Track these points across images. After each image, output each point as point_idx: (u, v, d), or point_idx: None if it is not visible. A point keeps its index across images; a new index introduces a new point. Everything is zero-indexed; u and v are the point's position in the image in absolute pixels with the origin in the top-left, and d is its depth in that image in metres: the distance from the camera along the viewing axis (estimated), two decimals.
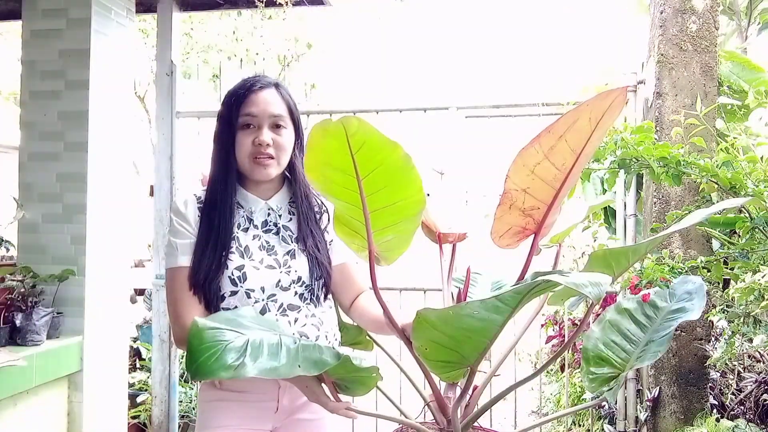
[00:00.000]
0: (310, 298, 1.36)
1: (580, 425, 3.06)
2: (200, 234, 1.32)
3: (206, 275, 1.27)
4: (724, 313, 1.94)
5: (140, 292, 4.48)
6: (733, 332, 1.91)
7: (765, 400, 2.06)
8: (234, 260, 1.30)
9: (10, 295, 2.44)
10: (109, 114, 2.79)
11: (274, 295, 1.31)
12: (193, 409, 3.12)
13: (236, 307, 1.29)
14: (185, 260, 1.30)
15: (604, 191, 2.89)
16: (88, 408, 2.64)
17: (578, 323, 1.87)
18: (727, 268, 1.89)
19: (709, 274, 1.88)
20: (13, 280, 2.47)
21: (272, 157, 1.32)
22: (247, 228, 1.35)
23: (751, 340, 1.92)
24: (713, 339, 2.33)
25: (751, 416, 2.09)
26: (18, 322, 2.39)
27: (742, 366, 2.30)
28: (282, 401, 1.34)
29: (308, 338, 1.32)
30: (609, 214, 3.05)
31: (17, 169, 2.72)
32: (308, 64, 7.45)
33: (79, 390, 2.61)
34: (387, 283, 2.71)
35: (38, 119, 2.70)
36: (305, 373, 0.89)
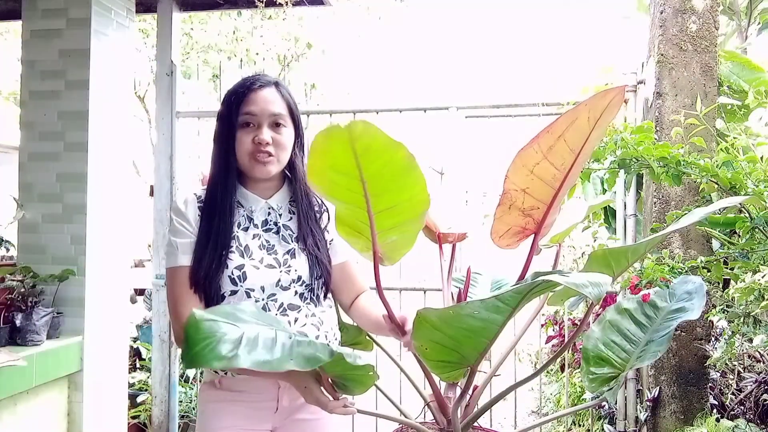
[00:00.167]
0: (310, 298, 1.36)
1: (580, 425, 3.06)
2: (200, 233, 1.32)
3: (206, 274, 1.27)
4: (724, 313, 1.94)
5: (140, 292, 4.48)
6: (733, 332, 1.91)
7: (765, 400, 2.06)
8: (234, 259, 1.30)
9: (10, 295, 2.44)
10: (109, 114, 2.79)
11: (274, 294, 1.31)
12: (193, 409, 3.12)
13: None
14: (185, 259, 1.30)
15: (604, 191, 2.89)
16: (88, 408, 2.64)
17: (578, 323, 1.87)
18: (727, 268, 1.89)
19: (709, 274, 1.88)
20: (13, 280, 2.47)
21: (272, 155, 1.32)
22: (248, 227, 1.35)
23: (751, 340, 1.92)
24: (713, 339, 2.32)
25: (751, 416, 2.09)
26: (18, 322, 2.39)
27: (742, 366, 2.30)
28: (282, 401, 1.34)
29: (307, 338, 1.33)
30: (609, 214, 3.05)
31: (17, 169, 2.73)
32: (308, 64, 7.45)
33: (79, 390, 2.61)
34: (387, 283, 2.71)
35: (38, 119, 2.70)
36: (297, 368, 0.89)
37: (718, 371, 2.38)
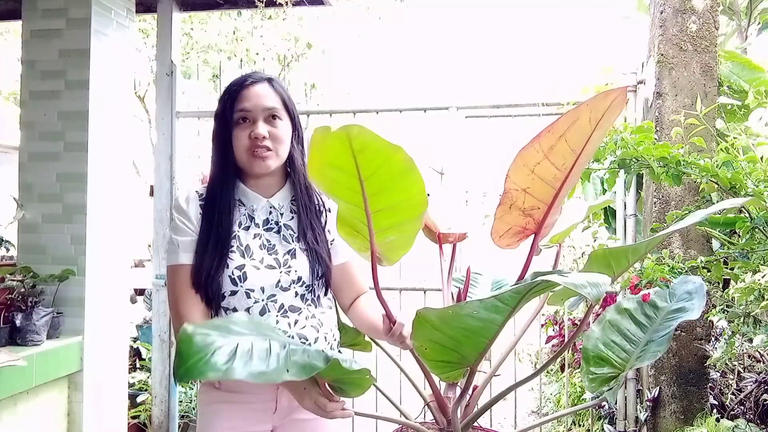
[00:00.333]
0: (311, 299, 1.36)
1: (580, 425, 3.06)
2: (201, 232, 1.31)
3: (207, 274, 1.27)
4: (724, 313, 1.93)
5: (140, 292, 4.47)
6: (733, 332, 1.91)
7: (765, 400, 2.06)
8: (234, 259, 1.30)
9: (10, 295, 2.44)
10: (109, 114, 2.79)
11: (273, 295, 1.31)
12: (193, 409, 3.12)
13: (235, 308, 1.30)
14: (186, 258, 1.29)
15: (604, 191, 2.89)
16: (88, 408, 2.64)
17: (578, 323, 1.87)
18: (727, 268, 1.89)
19: (709, 274, 1.88)
20: (13, 280, 2.47)
21: (270, 149, 1.32)
22: (248, 226, 1.35)
23: (751, 340, 1.92)
24: (713, 339, 2.32)
25: (751, 416, 2.09)
26: (18, 322, 2.39)
27: (742, 366, 2.30)
28: (281, 401, 1.34)
29: (307, 340, 1.32)
30: (609, 214, 3.05)
31: (17, 169, 2.73)
32: (308, 64, 7.44)
33: (79, 390, 2.61)
34: (387, 283, 2.71)
35: (38, 119, 2.70)
36: (295, 378, 0.88)
37: (718, 371, 2.38)
